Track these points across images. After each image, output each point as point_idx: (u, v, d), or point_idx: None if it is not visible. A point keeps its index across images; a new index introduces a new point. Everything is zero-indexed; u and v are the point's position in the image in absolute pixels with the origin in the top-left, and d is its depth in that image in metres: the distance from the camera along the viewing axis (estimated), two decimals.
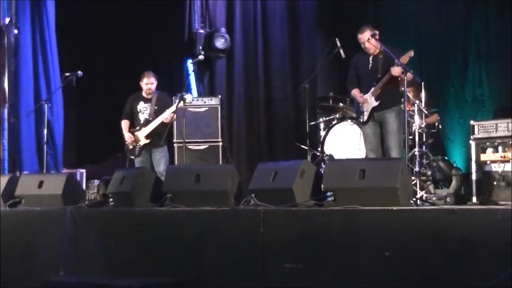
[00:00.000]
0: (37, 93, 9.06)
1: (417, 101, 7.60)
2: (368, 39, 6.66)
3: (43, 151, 8.27)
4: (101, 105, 10.47)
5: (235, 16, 10.44)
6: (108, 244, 5.42)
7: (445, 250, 4.06)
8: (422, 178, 7.31)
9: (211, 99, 8.86)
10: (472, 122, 6.71)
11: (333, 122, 8.42)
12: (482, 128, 6.56)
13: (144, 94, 8.12)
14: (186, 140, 7.91)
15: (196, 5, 10.37)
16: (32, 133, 8.93)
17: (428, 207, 5.01)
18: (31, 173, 7.98)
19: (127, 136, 7.99)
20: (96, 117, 10.47)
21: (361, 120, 6.82)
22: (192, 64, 9.81)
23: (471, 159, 6.60)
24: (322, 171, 6.01)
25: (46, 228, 5.77)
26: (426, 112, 7.65)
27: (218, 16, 10.41)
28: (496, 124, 6.50)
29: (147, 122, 7.96)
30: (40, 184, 6.31)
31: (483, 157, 6.49)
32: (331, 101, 8.63)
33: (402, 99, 6.69)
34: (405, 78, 6.30)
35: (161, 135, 7.86)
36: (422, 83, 7.77)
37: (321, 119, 8.83)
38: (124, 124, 8.11)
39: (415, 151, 7.40)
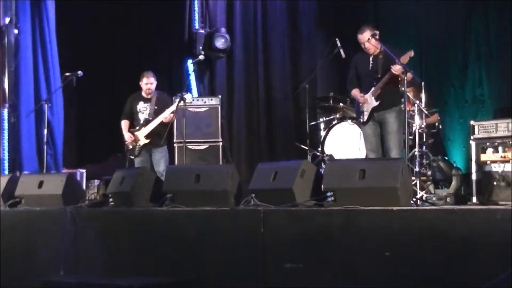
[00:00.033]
0: (37, 93, 9.06)
1: (417, 101, 7.60)
2: (368, 39, 6.66)
3: (43, 151, 8.27)
4: (101, 105, 10.47)
5: (235, 16, 10.44)
6: (108, 244, 5.42)
7: (445, 250, 4.06)
8: (422, 178, 7.31)
9: (211, 99, 8.85)
10: (472, 122, 6.71)
11: (333, 122, 8.42)
12: (482, 128, 6.57)
13: (143, 94, 8.12)
14: (186, 140, 7.91)
15: (196, 5, 10.37)
16: (32, 133, 8.93)
17: (428, 207, 5.00)
18: (31, 173, 7.99)
19: (127, 136, 8.00)
20: (96, 117, 10.47)
21: (361, 120, 6.82)
22: (192, 64, 9.81)
23: (471, 159, 6.61)
24: (322, 171, 6.02)
25: (46, 228, 5.77)
26: (426, 112, 7.64)
27: (218, 16, 10.41)
28: (496, 124, 6.50)
29: (146, 122, 7.96)
30: (40, 184, 6.31)
31: (483, 157, 6.49)
32: (331, 101, 8.63)
33: (402, 99, 6.69)
34: (405, 78, 6.30)
35: (161, 135, 7.86)
36: (422, 83, 7.77)
37: (321, 119, 8.83)
38: (124, 124, 8.11)
39: (415, 151, 7.40)
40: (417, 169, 7.23)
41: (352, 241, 4.38)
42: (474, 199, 6.45)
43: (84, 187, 8.48)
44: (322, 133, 8.57)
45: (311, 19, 10.54)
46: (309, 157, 8.42)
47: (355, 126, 7.88)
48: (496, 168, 6.37)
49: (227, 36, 10.11)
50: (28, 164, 8.79)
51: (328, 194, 4.77)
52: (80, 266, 5.49)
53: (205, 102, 8.81)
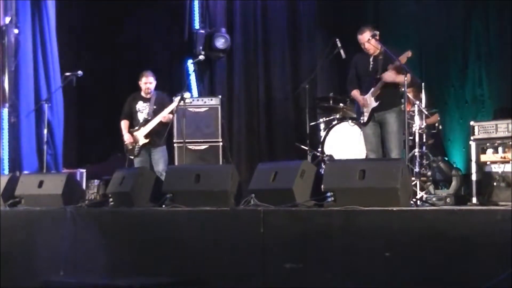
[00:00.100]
0: (37, 93, 9.05)
1: (417, 102, 7.60)
2: (368, 40, 6.66)
3: (43, 151, 8.27)
4: (101, 105, 10.47)
5: (235, 16, 10.44)
6: (108, 244, 5.42)
7: (445, 250, 4.07)
8: (422, 178, 7.31)
9: (211, 99, 8.85)
10: (472, 122, 6.72)
11: (333, 123, 8.41)
12: (482, 129, 6.58)
13: (143, 93, 8.13)
14: (186, 140, 7.91)
15: (196, 5, 10.37)
16: (32, 133, 8.92)
17: (428, 208, 5.00)
18: (31, 173, 7.99)
19: (126, 137, 8.00)
20: (96, 117, 10.46)
21: (362, 121, 6.82)
22: (192, 64, 9.80)
23: (471, 160, 6.61)
24: (322, 172, 6.02)
25: (46, 228, 5.77)
26: (426, 112, 7.64)
27: (218, 16, 10.40)
28: (496, 124, 6.51)
29: (146, 121, 7.96)
30: (40, 184, 6.31)
31: (483, 157, 6.50)
32: (331, 102, 8.62)
33: (402, 100, 6.69)
34: (405, 78, 6.30)
35: (161, 135, 7.87)
36: (422, 84, 7.77)
37: (321, 120, 8.83)
38: (124, 124, 8.11)
39: (415, 152, 7.40)
40: (417, 169, 7.23)
41: (352, 241, 4.38)
42: (474, 200, 6.46)
43: (84, 187, 8.48)
44: (322, 133, 8.57)
45: (311, 19, 10.54)
46: (309, 157, 8.42)
47: (355, 127, 7.88)
48: (496, 168, 6.39)
49: (227, 36, 10.11)
50: (28, 164, 8.78)
51: (328, 194, 4.77)
52: (80, 266, 5.49)
53: (205, 102, 8.80)
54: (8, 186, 6.48)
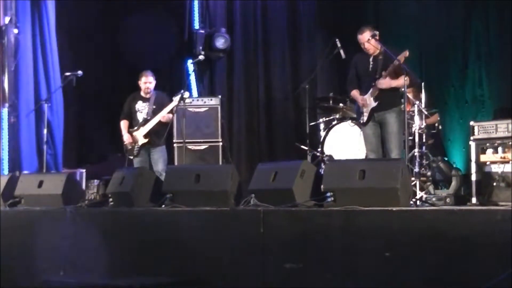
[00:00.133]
0: (37, 93, 9.05)
1: (417, 102, 7.60)
2: (368, 40, 6.66)
3: (43, 151, 8.27)
4: (101, 105, 10.46)
5: (235, 16, 10.44)
6: (108, 244, 5.42)
7: (445, 250, 4.07)
8: (422, 178, 7.31)
9: (211, 99, 8.85)
10: (472, 122, 6.72)
11: (333, 123, 8.41)
12: (482, 129, 6.58)
13: (142, 93, 8.12)
14: (186, 140, 7.90)
15: (196, 5, 10.37)
16: (32, 133, 8.92)
17: (428, 208, 5.01)
18: (31, 173, 7.99)
19: (126, 137, 7.99)
20: (96, 117, 10.46)
21: (361, 121, 6.82)
22: (192, 64, 9.80)
23: (471, 160, 6.62)
24: (322, 172, 6.02)
25: (46, 228, 5.77)
26: (426, 112, 7.64)
27: (218, 16, 10.41)
28: (496, 125, 6.52)
29: (145, 121, 7.96)
30: (40, 184, 6.31)
31: (483, 157, 6.50)
32: (331, 102, 8.62)
33: (402, 100, 6.69)
34: (405, 79, 6.31)
35: (160, 135, 7.87)
36: (422, 84, 7.77)
37: (321, 120, 8.82)
38: (123, 124, 8.11)
39: (415, 152, 7.39)
40: (417, 169, 7.23)
41: (352, 241, 4.38)
42: (474, 200, 6.46)
43: (84, 187, 8.48)
44: (322, 133, 8.56)
45: (311, 19, 10.54)
46: (309, 158, 8.42)
47: (355, 127, 7.87)
48: (496, 168, 6.39)
49: (227, 36, 10.11)
50: (28, 164, 8.78)
51: (328, 194, 4.78)
52: (80, 266, 5.49)
53: (205, 102, 8.80)
54: (8, 186, 6.48)
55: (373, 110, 6.69)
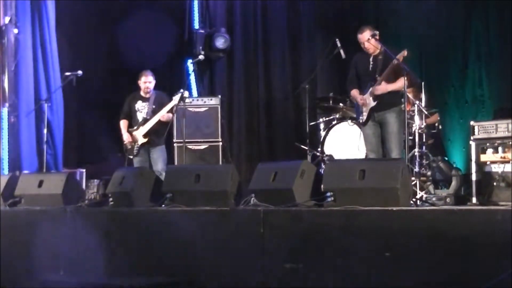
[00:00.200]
0: (37, 93, 9.05)
1: (417, 102, 7.60)
2: (368, 39, 6.66)
3: (43, 151, 8.27)
4: (101, 105, 10.46)
5: (235, 16, 10.44)
6: (108, 244, 5.42)
7: (445, 250, 4.07)
8: (422, 178, 7.32)
9: (211, 99, 8.85)
10: (472, 122, 6.72)
11: (333, 122, 8.41)
12: (482, 129, 6.57)
13: (142, 93, 8.12)
14: (186, 140, 7.90)
15: (196, 5, 10.37)
16: (32, 133, 8.92)
17: (428, 208, 5.01)
18: (31, 173, 7.99)
19: (125, 136, 8.00)
20: (96, 117, 10.45)
21: (361, 121, 6.82)
22: (192, 64, 9.80)
23: (471, 160, 6.61)
24: (322, 172, 6.02)
25: (46, 228, 5.77)
26: (426, 112, 7.64)
27: (218, 16, 10.41)
28: (496, 124, 6.51)
29: (145, 121, 7.96)
30: (40, 184, 6.31)
31: (483, 157, 6.49)
32: (331, 102, 8.62)
33: (402, 100, 6.69)
34: (405, 79, 6.31)
35: (160, 134, 7.88)
36: (422, 84, 7.77)
37: (321, 119, 8.82)
38: (123, 124, 8.11)
39: (415, 152, 7.40)
40: (417, 169, 7.23)
41: (352, 241, 4.38)
42: (474, 200, 6.45)
43: (84, 187, 8.48)
44: (322, 133, 8.56)
45: (311, 19, 10.54)
46: (309, 157, 8.42)
47: (355, 127, 7.87)
48: (496, 168, 6.38)
49: (227, 36, 10.11)
50: (28, 164, 8.78)
51: (328, 194, 4.77)
52: (80, 266, 5.49)
53: (205, 102, 8.81)
54: (8, 186, 6.48)
55: (372, 110, 6.69)
